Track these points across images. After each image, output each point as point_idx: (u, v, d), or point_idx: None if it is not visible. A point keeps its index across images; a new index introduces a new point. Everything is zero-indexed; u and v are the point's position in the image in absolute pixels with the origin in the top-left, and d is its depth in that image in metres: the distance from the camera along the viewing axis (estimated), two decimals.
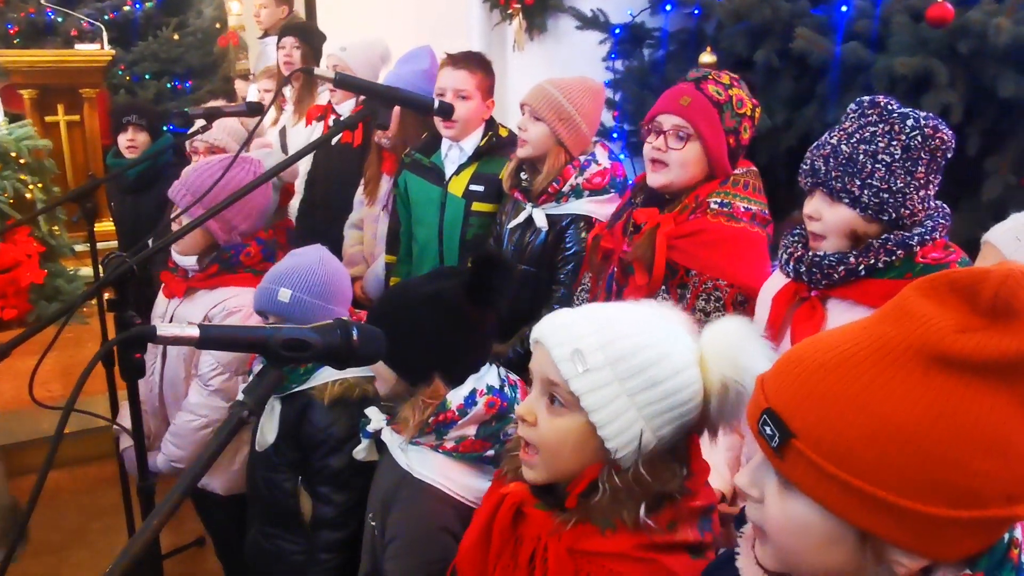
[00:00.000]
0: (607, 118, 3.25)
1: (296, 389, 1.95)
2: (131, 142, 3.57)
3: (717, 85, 1.94)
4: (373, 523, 1.72)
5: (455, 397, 1.57)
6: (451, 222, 2.63)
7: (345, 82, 1.72)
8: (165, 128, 3.91)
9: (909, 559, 0.76)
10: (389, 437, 1.69)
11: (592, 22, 3.32)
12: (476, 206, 2.60)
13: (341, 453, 1.91)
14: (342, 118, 3.38)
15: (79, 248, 4.97)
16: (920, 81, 2.28)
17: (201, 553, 3.30)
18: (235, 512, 2.34)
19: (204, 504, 2.60)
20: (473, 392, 1.58)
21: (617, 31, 3.22)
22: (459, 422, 1.57)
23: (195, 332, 0.90)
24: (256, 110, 2.71)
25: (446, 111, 1.79)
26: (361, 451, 1.79)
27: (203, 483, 2.38)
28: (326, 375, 1.94)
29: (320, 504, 1.95)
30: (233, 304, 2.29)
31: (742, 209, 1.93)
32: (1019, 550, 0.77)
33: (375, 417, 1.73)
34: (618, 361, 1.10)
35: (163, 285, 2.45)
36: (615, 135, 3.22)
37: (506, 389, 1.62)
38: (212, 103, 2.88)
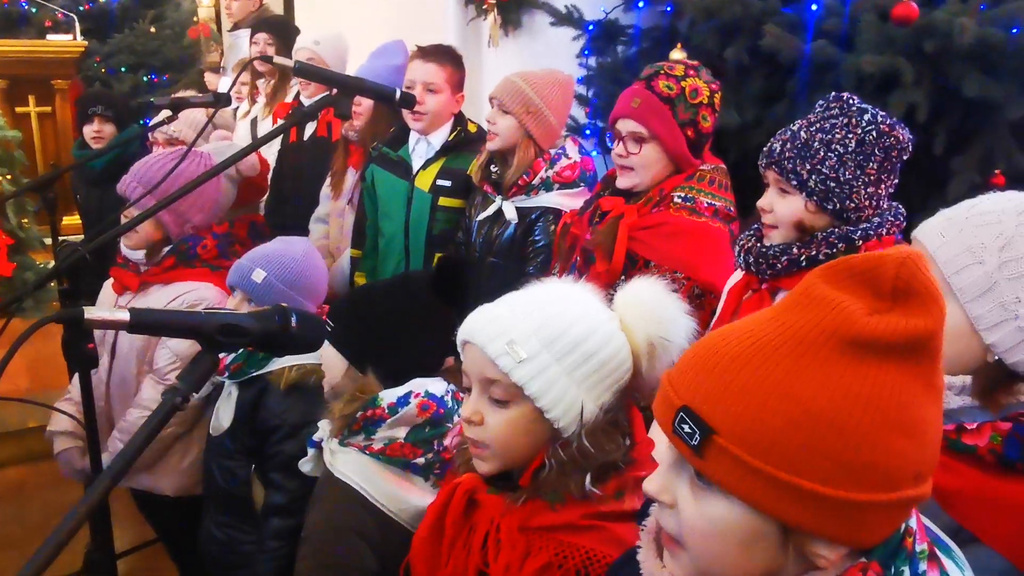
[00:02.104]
0: (580, 115, 3.25)
1: (254, 374, 1.93)
2: (97, 133, 3.51)
3: (668, 79, 1.94)
4: None
5: (388, 395, 1.54)
6: (417, 216, 2.62)
7: (305, 71, 1.71)
8: (142, 122, 3.86)
9: (829, 550, 0.75)
10: (325, 442, 1.65)
11: (566, 18, 3.30)
12: (443, 201, 2.59)
13: (296, 439, 1.88)
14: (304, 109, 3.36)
15: (49, 241, 4.90)
16: (887, 80, 2.28)
17: (163, 550, 3.25)
18: (185, 513, 2.30)
19: (153, 507, 2.53)
20: (408, 393, 1.54)
21: (591, 27, 3.21)
22: (388, 421, 1.53)
23: (125, 316, 0.88)
24: (223, 101, 2.69)
25: (408, 102, 1.77)
26: (306, 463, 1.71)
27: (151, 485, 2.35)
28: (285, 360, 1.92)
29: (272, 491, 1.92)
30: (192, 299, 2.25)
31: (705, 204, 1.94)
32: (912, 539, 0.77)
33: (323, 427, 1.67)
34: (553, 342, 1.12)
35: (111, 281, 2.39)
36: (588, 131, 3.22)
37: (447, 399, 1.57)
38: (179, 94, 2.84)
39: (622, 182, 2.00)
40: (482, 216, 2.44)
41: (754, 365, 0.75)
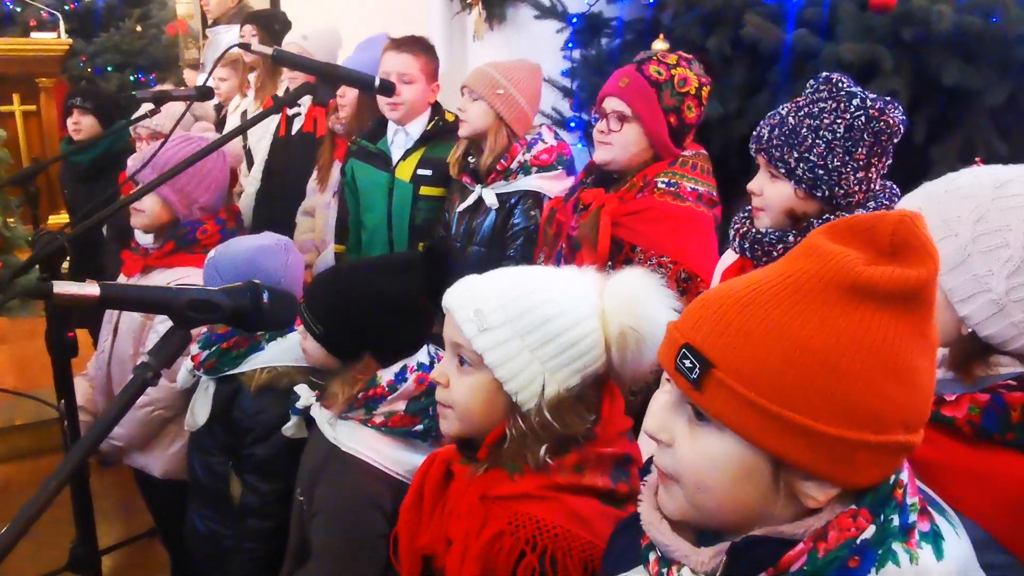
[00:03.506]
0: (564, 108, 3.26)
1: (228, 372, 1.92)
2: (75, 125, 3.51)
3: (660, 65, 1.95)
4: (301, 498, 1.71)
5: (386, 373, 1.58)
6: (399, 207, 2.62)
7: (283, 59, 1.70)
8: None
9: (820, 490, 0.78)
10: (318, 413, 1.69)
11: (550, 11, 3.30)
12: (424, 190, 2.60)
13: (267, 443, 1.89)
14: (300, 107, 3.36)
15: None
16: (867, 68, 2.29)
17: (153, 544, 3.24)
18: (174, 497, 2.29)
19: (146, 487, 2.55)
20: (404, 369, 1.59)
21: (574, 20, 3.22)
22: (389, 398, 1.57)
23: (95, 290, 0.87)
24: (206, 94, 2.68)
25: (387, 89, 1.77)
26: (290, 428, 1.77)
27: (141, 463, 2.38)
28: (258, 360, 1.91)
29: (247, 491, 1.92)
30: (187, 284, 2.24)
31: (689, 189, 1.95)
32: (903, 491, 0.80)
33: (304, 394, 1.72)
34: (518, 318, 1.15)
35: (123, 264, 2.42)
36: (572, 124, 3.22)
37: (435, 366, 1.62)
38: (161, 87, 2.84)
39: (598, 155, 2.03)
40: (462, 207, 2.45)
41: (755, 307, 0.78)
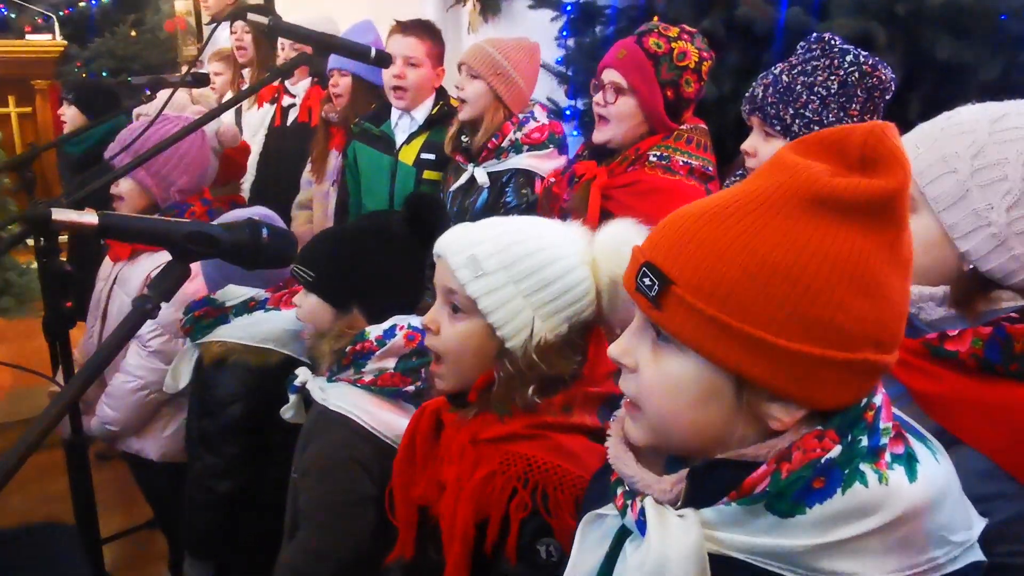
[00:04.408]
0: (560, 98, 3.26)
1: (197, 341, 1.95)
2: (62, 116, 3.55)
3: (660, 38, 1.95)
4: (295, 475, 1.69)
5: (375, 329, 1.59)
6: (402, 191, 2.62)
7: (279, 28, 1.72)
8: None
9: (784, 411, 0.76)
10: (312, 384, 1.68)
11: (545, 1, 3.32)
12: (427, 174, 2.61)
13: (214, 417, 1.90)
14: (295, 97, 3.36)
15: (31, 242, 4.86)
16: (861, 44, 2.29)
17: (153, 535, 3.22)
18: (172, 481, 2.29)
19: (141, 472, 2.54)
20: (393, 326, 1.59)
21: (569, 8, 3.23)
22: (377, 353, 1.57)
23: (93, 219, 0.87)
24: (201, 81, 2.68)
25: (384, 60, 1.78)
26: (288, 410, 1.75)
27: (137, 448, 2.36)
28: (216, 333, 1.92)
29: (193, 461, 1.96)
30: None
31: (680, 163, 1.95)
32: (874, 413, 0.77)
33: (303, 373, 1.71)
34: (512, 264, 1.16)
35: (109, 249, 2.42)
36: (568, 112, 3.23)
37: (407, 331, 1.63)
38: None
39: (597, 136, 2.02)
40: (455, 186, 2.45)
41: (715, 222, 0.76)
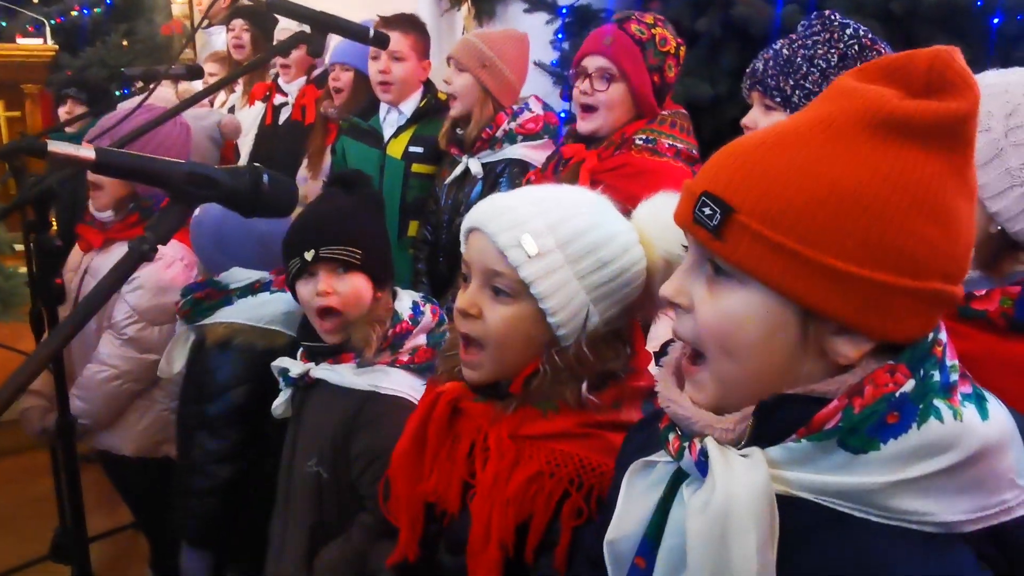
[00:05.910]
0: (556, 102, 3.26)
1: (198, 323, 1.90)
2: (68, 113, 3.56)
3: (640, 24, 1.97)
4: (316, 469, 1.60)
5: (402, 308, 1.59)
6: (390, 184, 2.60)
7: (277, 5, 1.70)
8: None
9: (851, 345, 0.73)
10: (329, 372, 1.60)
11: (540, 4, 3.34)
12: (416, 168, 2.59)
13: (217, 401, 1.86)
14: (288, 96, 3.35)
15: (20, 247, 4.80)
16: None
17: (136, 536, 3.17)
18: (149, 479, 2.25)
19: (116, 469, 2.45)
20: (415, 304, 1.60)
21: (564, 12, 3.25)
22: (413, 331, 1.58)
23: (91, 153, 0.84)
24: (195, 73, 2.67)
25: (382, 40, 1.76)
26: (280, 406, 1.69)
27: (111, 445, 2.30)
28: (224, 314, 1.87)
29: (195, 448, 1.90)
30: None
31: (667, 145, 1.96)
32: (943, 349, 0.75)
33: (293, 364, 1.64)
34: (568, 243, 1.05)
35: (79, 239, 2.35)
36: (563, 114, 3.23)
37: (428, 305, 1.66)
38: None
39: (583, 126, 2.00)
40: (450, 179, 2.44)
41: (777, 150, 0.73)
